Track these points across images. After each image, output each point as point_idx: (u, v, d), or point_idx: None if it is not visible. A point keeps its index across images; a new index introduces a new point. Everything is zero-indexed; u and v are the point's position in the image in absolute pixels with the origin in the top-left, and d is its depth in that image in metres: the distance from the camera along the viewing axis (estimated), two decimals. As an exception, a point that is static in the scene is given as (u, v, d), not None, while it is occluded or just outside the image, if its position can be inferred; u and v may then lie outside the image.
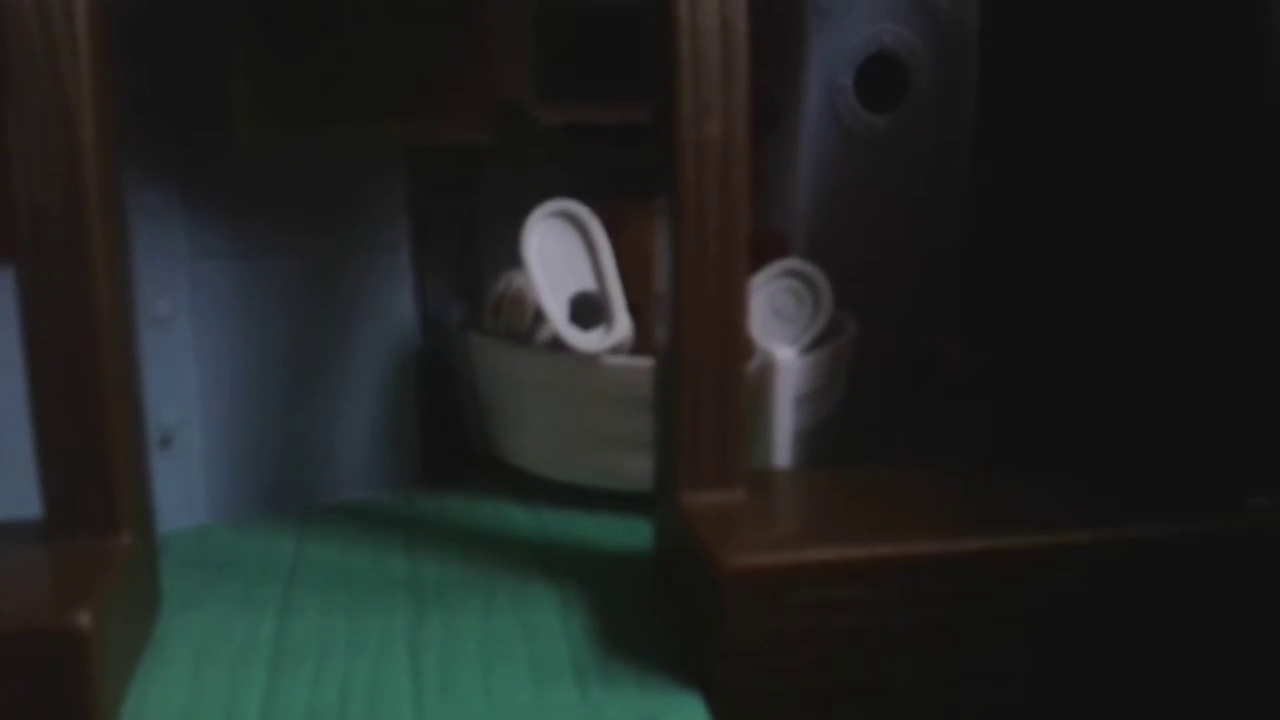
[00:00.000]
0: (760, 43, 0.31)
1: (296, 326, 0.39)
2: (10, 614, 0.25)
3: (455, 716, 0.26)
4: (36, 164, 0.27)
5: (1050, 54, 0.45)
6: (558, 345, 0.37)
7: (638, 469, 0.35)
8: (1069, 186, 0.44)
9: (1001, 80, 0.48)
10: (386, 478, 0.41)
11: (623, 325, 0.38)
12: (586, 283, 0.38)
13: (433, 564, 0.35)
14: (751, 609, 0.27)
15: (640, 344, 0.38)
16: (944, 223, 0.49)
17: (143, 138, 0.35)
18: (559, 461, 0.40)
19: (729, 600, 0.27)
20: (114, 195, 0.29)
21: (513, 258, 0.38)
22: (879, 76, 0.47)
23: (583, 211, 0.38)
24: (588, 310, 0.38)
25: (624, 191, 0.40)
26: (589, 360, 0.37)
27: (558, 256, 0.38)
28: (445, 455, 0.43)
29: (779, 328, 0.39)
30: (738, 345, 0.31)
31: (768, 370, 0.37)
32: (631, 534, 0.36)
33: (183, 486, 0.37)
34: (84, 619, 0.24)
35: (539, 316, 0.38)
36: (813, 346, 0.39)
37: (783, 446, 0.37)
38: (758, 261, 0.36)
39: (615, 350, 0.38)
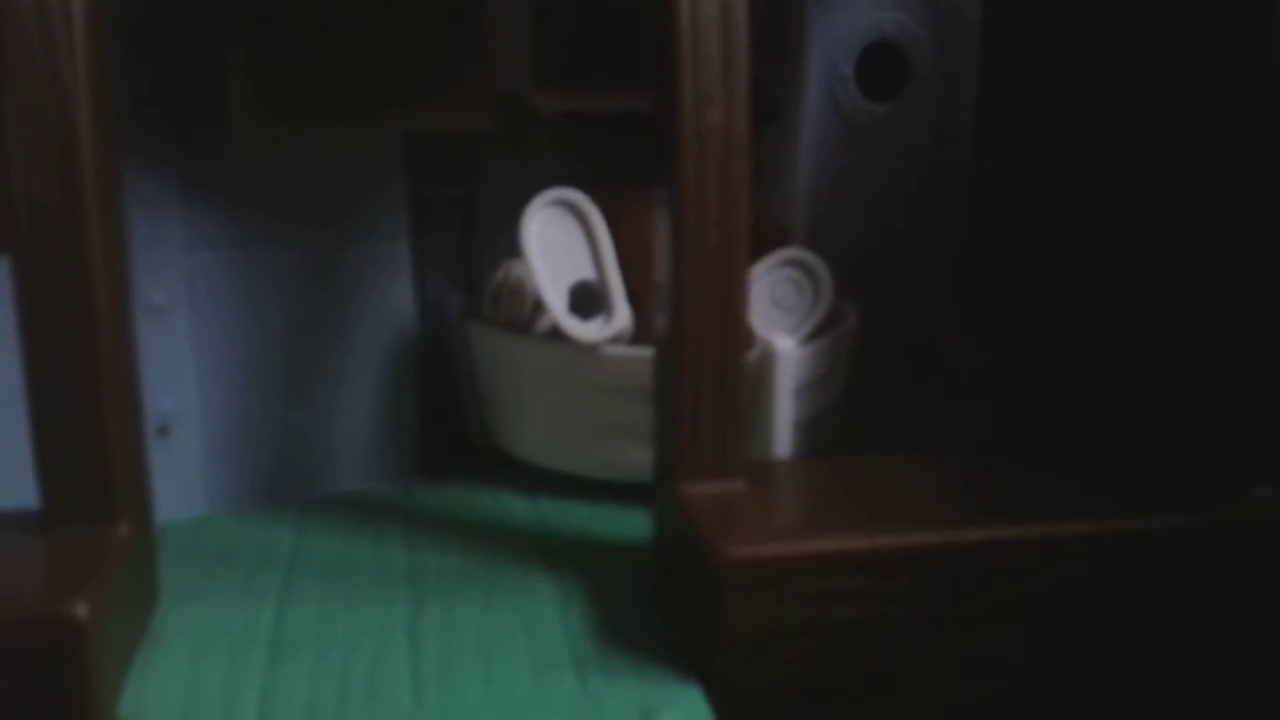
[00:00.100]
0: (760, 31, 0.30)
1: (295, 316, 0.39)
2: (7, 604, 0.25)
3: (454, 706, 0.26)
4: (34, 157, 0.27)
5: (1052, 42, 0.45)
6: (557, 335, 0.37)
7: (637, 459, 0.35)
8: (1070, 176, 0.44)
9: (1003, 69, 0.47)
10: (385, 468, 0.41)
11: (622, 315, 0.38)
12: (586, 272, 0.38)
13: (432, 554, 0.35)
14: (751, 600, 0.27)
15: (640, 334, 0.38)
16: (945, 212, 0.49)
17: (141, 131, 0.35)
18: (558, 451, 0.39)
19: (729, 591, 0.27)
20: (111, 188, 0.29)
21: (512, 247, 0.38)
22: (880, 65, 0.47)
23: (582, 200, 0.38)
24: (587, 300, 0.38)
25: (624, 180, 0.40)
26: (588, 350, 0.37)
27: (557, 246, 0.38)
28: (444, 445, 0.43)
29: (779, 317, 0.39)
30: (738, 335, 0.31)
31: (768, 360, 0.36)
32: (631, 524, 0.36)
33: (181, 477, 0.37)
34: (81, 609, 0.24)
35: (538, 306, 0.38)
36: (813, 336, 0.39)
37: (783, 436, 0.37)
38: (758, 251, 0.36)
39: (615, 340, 0.37)
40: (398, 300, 0.40)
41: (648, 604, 0.31)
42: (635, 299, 0.38)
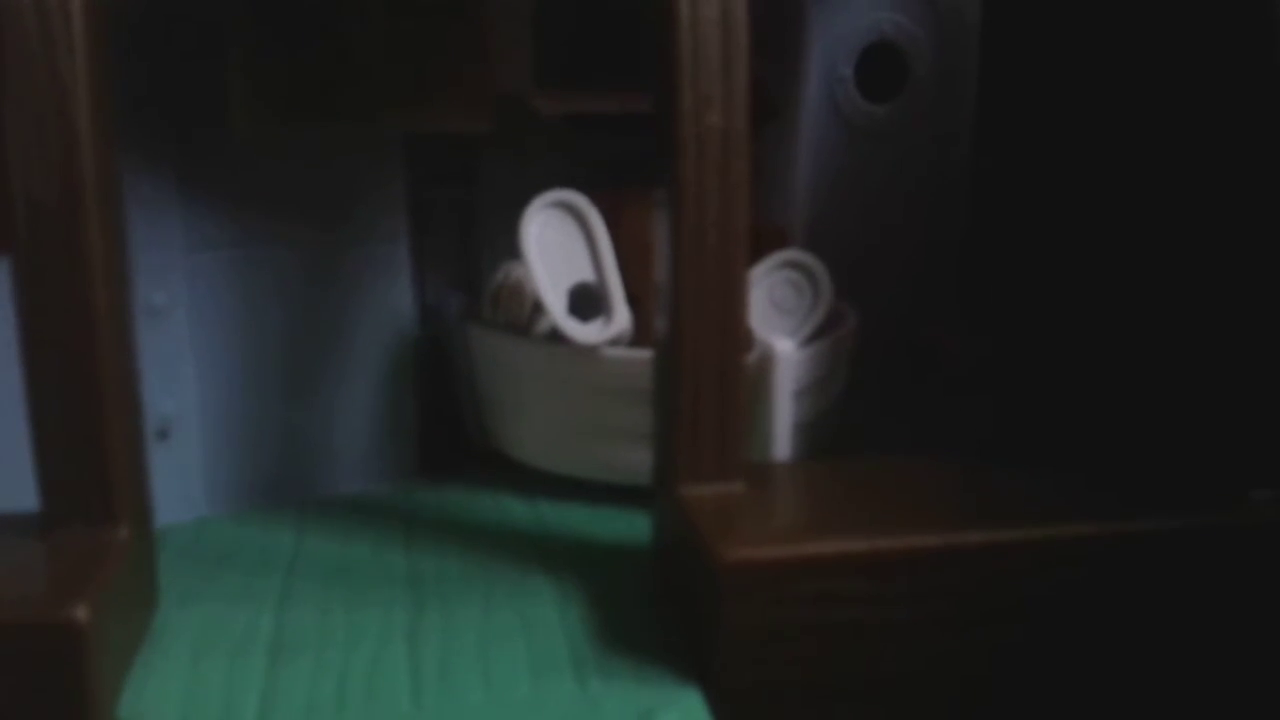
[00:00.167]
0: (760, 32, 0.30)
1: (294, 317, 0.39)
2: (7, 607, 0.25)
3: (453, 709, 0.26)
4: (33, 157, 0.27)
5: (1051, 42, 0.45)
6: (556, 337, 0.37)
7: (637, 461, 0.35)
8: (1070, 177, 0.44)
9: (1002, 69, 0.47)
10: (385, 470, 0.41)
11: (622, 317, 0.38)
12: (585, 274, 0.38)
13: (431, 557, 0.35)
14: (750, 602, 0.27)
15: (639, 335, 0.38)
16: (944, 213, 0.49)
17: (140, 131, 0.35)
18: (558, 454, 0.39)
19: (728, 593, 0.27)
20: (111, 188, 0.29)
21: (512, 248, 0.38)
22: (879, 66, 0.47)
23: (582, 202, 0.38)
24: (587, 301, 0.38)
25: (623, 182, 0.40)
26: (588, 352, 0.37)
27: (556, 247, 0.38)
28: (444, 447, 0.43)
29: (778, 319, 0.39)
30: (737, 337, 0.31)
31: (767, 362, 0.36)
32: (630, 527, 0.36)
33: (180, 479, 0.37)
34: (81, 612, 0.24)
35: (538, 308, 0.38)
36: (812, 338, 0.39)
37: (782, 438, 0.37)
38: (757, 253, 0.36)
39: (614, 342, 0.37)
40: (397, 302, 0.40)
41: (647, 606, 0.31)
42: (634, 301, 0.38)
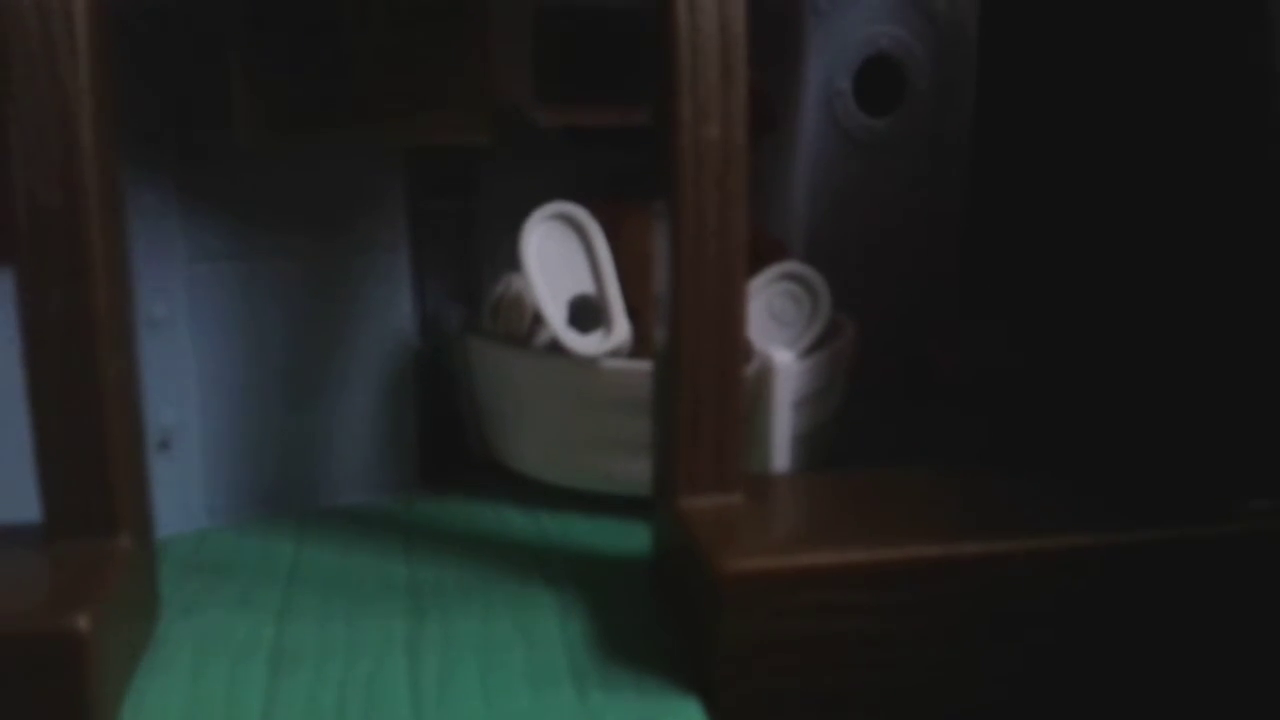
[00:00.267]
0: (758, 45, 0.31)
1: (295, 328, 0.39)
2: (9, 617, 0.25)
3: (454, 720, 0.26)
4: (36, 166, 0.27)
5: (1049, 56, 0.45)
6: (556, 348, 0.37)
7: (636, 472, 0.35)
8: (1068, 190, 0.44)
9: (1000, 82, 0.48)
10: (385, 481, 0.41)
11: (621, 328, 0.38)
12: (585, 285, 0.38)
13: (431, 568, 0.35)
14: (750, 613, 0.27)
15: (639, 347, 0.38)
16: (942, 225, 0.49)
17: (141, 142, 0.35)
18: (557, 465, 0.40)
19: (727, 604, 0.27)
20: (113, 196, 0.29)
21: (511, 260, 0.38)
22: (877, 79, 0.47)
23: (581, 214, 0.38)
24: (586, 313, 0.38)
25: (623, 194, 0.40)
26: (587, 363, 0.37)
27: (556, 259, 0.38)
28: (444, 458, 0.43)
29: (777, 331, 0.39)
30: (736, 348, 0.31)
31: (766, 373, 0.37)
32: (630, 538, 0.36)
33: (181, 489, 0.37)
34: (83, 622, 0.24)
35: (537, 319, 0.38)
36: (811, 350, 0.39)
37: (781, 450, 0.37)
38: (756, 265, 0.36)
39: (614, 353, 0.38)
40: (397, 313, 0.40)
41: (647, 617, 0.31)
42: (634, 312, 0.38)
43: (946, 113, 0.48)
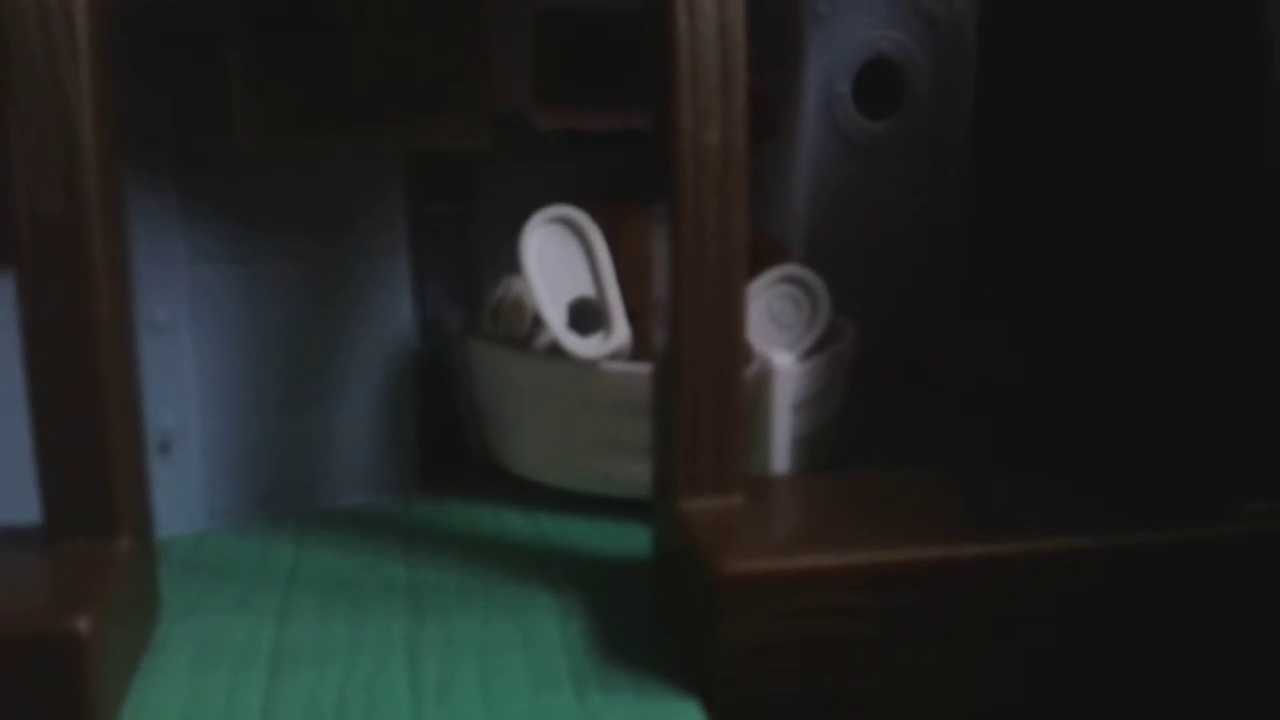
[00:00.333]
0: (758, 48, 0.31)
1: (295, 331, 0.39)
2: (10, 619, 0.25)
3: (454, 722, 0.26)
4: (37, 170, 0.27)
5: (1048, 59, 0.45)
6: (556, 351, 0.37)
7: (636, 475, 0.35)
8: (1067, 193, 0.44)
9: (999, 86, 0.48)
10: (385, 483, 0.41)
11: (621, 331, 0.38)
12: (585, 288, 0.38)
13: (431, 570, 0.35)
14: (749, 615, 0.27)
15: (638, 350, 0.38)
16: (942, 228, 0.49)
17: (142, 145, 0.35)
18: (557, 467, 0.40)
19: (727, 606, 0.27)
20: (114, 199, 0.29)
21: (511, 263, 0.38)
22: (876, 83, 0.47)
23: (581, 217, 0.38)
24: (586, 316, 0.38)
25: (623, 197, 0.40)
26: (587, 366, 0.37)
27: (556, 262, 0.38)
28: (444, 460, 0.43)
29: (777, 334, 0.39)
30: (736, 351, 0.31)
31: (766, 376, 0.37)
32: (630, 540, 0.36)
33: (181, 492, 0.37)
34: (83, 624, 0.24)
35: (537, 322, 0.38)
36: (811, 353, 0.39)
37: (781, 452, 0.37)
38: (756, 267, 0.36)
39: (614, 356, 0.38)
40: (397, 315, 0.40)
41: (646, 619, 0.31)
42: (634, 315, 0.38)
43: (946, 116, 0.48)
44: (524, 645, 0.30)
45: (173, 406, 0.37)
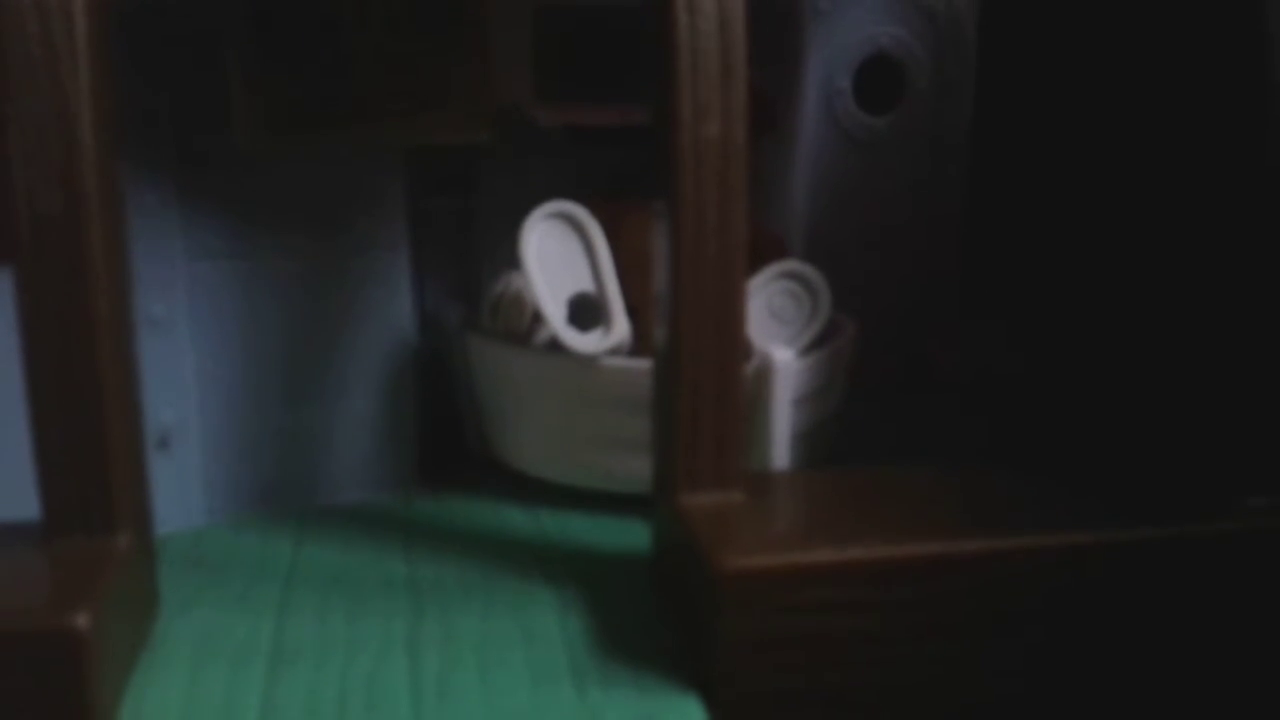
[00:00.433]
0: (758, 44, 0.31)
1: (294, 327, 0.39)
2: (8, 615, 0.25)
3: (453, 718, 0.26)
4: (35, 166, 0.27)
5: (1049, 55, 0.45)
6: (556, 346, 0.37)
7: (636, 470, 0.35)
8: (1068, 189, 0.44)
9: (999, 82, 0.48)
10: (384, 479, 0.41)
11: (621, 326, 0.38)
12: (585, 284, 0.38)
13: (431, 565, 0.35)
14: (749, 610, 0.27)
15: (638, 345, 0.38)
16: (942, 224, 0.49)
17: (141, 141, 0.35)
18: (557, 463, 0.40)
19: (727, 601, 0.27)
20: (113, 197, 0.29)
21: (511, 258, 0.38)
22: (877, 78, 0.47)
23: (581, 213, 0.38)
24: (586, 311, 0.38)
25: (622, 192, 0.40)
26: (587, 361, 0.37)
27: (556, 258, 0.38)
28: (443, 456, 0.43)
29: (777, 329, 0.39)
30: (736, 346, 0.31)
31: (766, 372, 0.37)
32: (630, 535, 0.36)
33: (180, 487, 0.37)
34: (82, 620, 0.24)
35: (537, 318, 0.38)
36: (811, 348, 0.39)
37: (781, 448, 0.37)
38: (756, 263, 0.36)
39: (613, 352, 0.38)
40: (397, 311, 0.40)
41: (646, 615, 0.31)
42: (634, 311, 0.38)
43: (946, 112, 0.48)
44: (524, 641, 0.30)
45: (172, 403, 0.37)
